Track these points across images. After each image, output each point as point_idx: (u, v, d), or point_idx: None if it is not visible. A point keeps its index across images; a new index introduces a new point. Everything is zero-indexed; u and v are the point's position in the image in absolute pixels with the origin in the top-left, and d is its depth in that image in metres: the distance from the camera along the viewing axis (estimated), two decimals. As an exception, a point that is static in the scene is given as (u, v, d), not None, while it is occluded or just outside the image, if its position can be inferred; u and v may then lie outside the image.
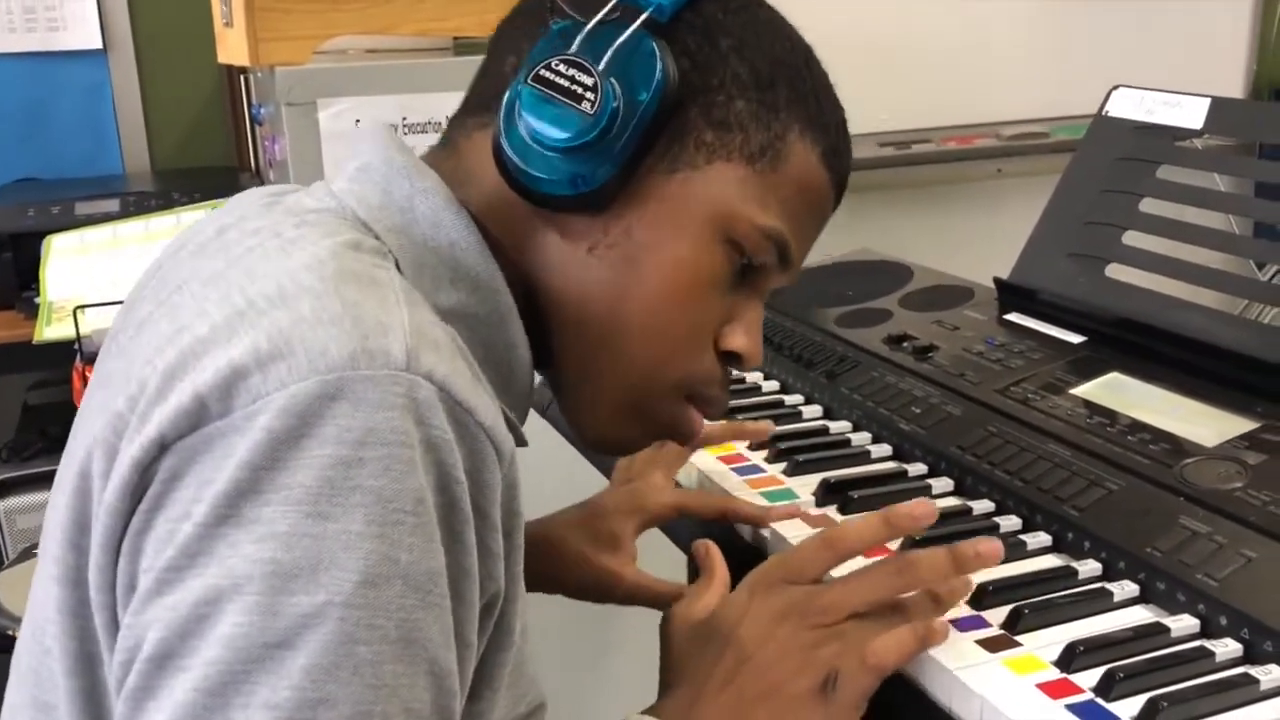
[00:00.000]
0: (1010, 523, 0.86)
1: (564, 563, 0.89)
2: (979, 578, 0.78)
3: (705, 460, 0.98)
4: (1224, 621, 0.71)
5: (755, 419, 1.04)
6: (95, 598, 0.56)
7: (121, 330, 0.66)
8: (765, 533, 0.86)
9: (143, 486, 0.53)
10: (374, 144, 0.68)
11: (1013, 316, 1.13)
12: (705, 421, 0.93)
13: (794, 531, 0.85)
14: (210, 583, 0.50)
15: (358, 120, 1.51)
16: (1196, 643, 0.70)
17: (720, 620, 0.73)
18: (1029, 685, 0.67)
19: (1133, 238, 1.09)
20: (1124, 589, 0.76)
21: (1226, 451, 0.84)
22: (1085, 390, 0.97)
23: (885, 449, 0.99)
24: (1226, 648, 0.69)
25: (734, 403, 1.09)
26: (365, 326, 0.53)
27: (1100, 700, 0.66)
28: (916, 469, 0.95)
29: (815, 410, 1.08)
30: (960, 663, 0.69)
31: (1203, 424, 0.89)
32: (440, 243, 0.64)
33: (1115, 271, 1.09)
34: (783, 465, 0.96)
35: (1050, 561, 0.81)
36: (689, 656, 0.73)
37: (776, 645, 0.69)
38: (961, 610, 0.75)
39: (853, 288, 1.28)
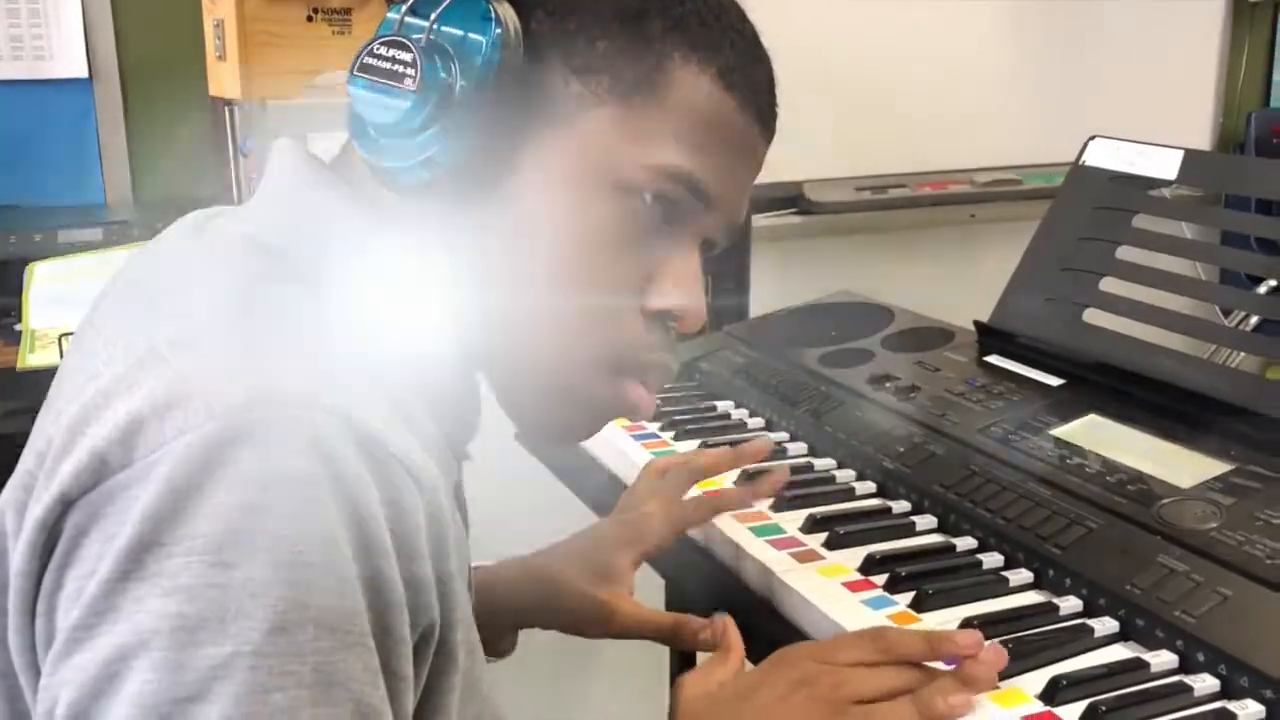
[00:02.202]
0: (993, 559, 0.87)
1: (560, 596, 0.90)
2: (963, 613, 0.80)
3: (691, 493, 0.99)
4: (1202, 658, 0.73)
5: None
6: (17, 659, 0.55)
7: (58, 376, 0.65)
8: (774, 581, 0.87)
9: (50, 545, 0.52)
10: (283, 162, 0.66)
11: (992, 359, 1.16)
12: (711, 452, 0.93)
13: (804, 583, 0.85)
14: (118, 640, 0.49)
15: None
16: (1175, 678, 0.72)
17: (737, 687, 0.73)
18: (1014, 719, 0.69)
19: (1109, 284, 1.12)
20: (1105, 625, 0.78)
21: (1201, 493, 0.86)
22: (1064, 431, 0.99)
23: (869, 486, 1.01)
24: (1204, 683, 0.71)
25: (715, 439, 1.11)
26: (264, 365, 0.52)
27: (1084, 733, 0.67)
28: (900, 506, 0.97)
29: (800, 447, 1.10)
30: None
31: (1178, 465, 0.91)
32: (354, 257, 0.62)
33: (1092, 316, 1.12)
34: (769, 500, 0.98)
35: (1032, 598, 0.83)
36: (699, 718, 0.72)
37: (787, 713, 0.68)
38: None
39: (836, 328, 1.31)
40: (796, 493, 0.98)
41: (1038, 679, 0.72)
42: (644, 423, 1.16)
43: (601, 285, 0.64)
